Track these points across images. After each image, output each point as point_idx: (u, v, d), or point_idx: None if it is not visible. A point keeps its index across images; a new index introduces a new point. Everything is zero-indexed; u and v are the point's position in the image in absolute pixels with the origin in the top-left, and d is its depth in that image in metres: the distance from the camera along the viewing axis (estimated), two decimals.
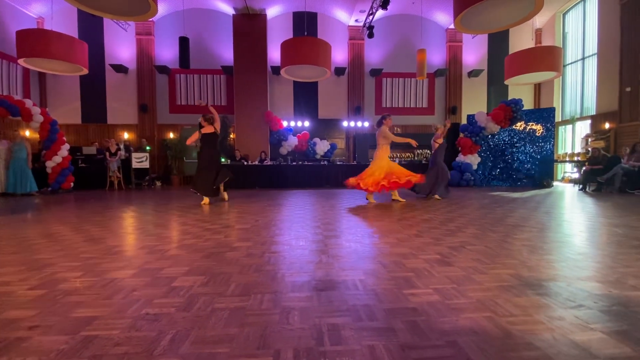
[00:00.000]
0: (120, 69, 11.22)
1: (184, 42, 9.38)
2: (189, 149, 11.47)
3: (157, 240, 2.72)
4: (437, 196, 6.05)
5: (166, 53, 11.63)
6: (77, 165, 8.98)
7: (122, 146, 9.68)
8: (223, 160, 10.10)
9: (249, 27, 11.17)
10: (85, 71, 8.14)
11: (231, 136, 11.83)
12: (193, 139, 5.37)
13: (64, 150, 8.25)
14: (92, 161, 9.45)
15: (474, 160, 9.52)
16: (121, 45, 11.50)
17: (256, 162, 9.73)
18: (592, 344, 1.09)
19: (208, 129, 5.35)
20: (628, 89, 9.11)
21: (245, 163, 9.49)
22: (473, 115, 9.76)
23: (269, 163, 9.66)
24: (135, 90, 11.55)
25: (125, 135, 11.32)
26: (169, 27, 11.56)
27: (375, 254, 2.25)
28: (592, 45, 10.83)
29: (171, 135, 11.69)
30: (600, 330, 1.18)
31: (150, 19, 10.74)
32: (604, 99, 10.07)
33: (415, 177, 5.32)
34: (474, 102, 12.71)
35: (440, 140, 6.30)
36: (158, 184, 10.72)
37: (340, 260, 2.10)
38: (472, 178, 9.34)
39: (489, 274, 1.81)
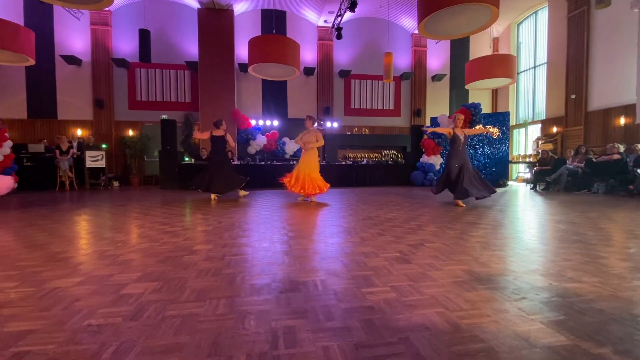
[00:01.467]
0: (72, 60, 10.43)
1: (144, 35, 8.92)
2: (150, 147, 10.95)
3: (109, 244, 2.55)
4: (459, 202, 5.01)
5: (125, 46, 10.99)
6: (22, 164, 8.23)
7: (75, 144, 9.00)
8: (187, 159, 9.75)
9: (215, 22, 10.85)
10: (32, 62, 7.47)
11: None
12: (203, 136, 5.85)
13: (6, 148, 7.49)
14: (40, 160, 8.70)
15: (436, 160, 9.93)
16: (74, 35, 10.69)
17: None
18: (531, 334, 1.16)
19: (218, 132, 5.76)
20: (573, 96, 9.95)
21: None
22: (436, 118, 10.17)
23: (236, 162, 9.44)
24: (90, 84, 10.78)
25: (79, 132, 10.55)
26: (128, 18, 10.93)
27: (338, 254, 2.26)
28: (542, 55, 11.71)
29: (130, 132, 11.06)
30: (540, 320, 1.26)
31: (107, 8, 10.13)
32: (552, 104, 10.93)
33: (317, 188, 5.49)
34: (437, 105, 13.27)
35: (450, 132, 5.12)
36: (116, 184, 10.10)
37: (303, 261, 2.09)
38: (435, 178, 9.73)
39: (444, 270, 1.89)
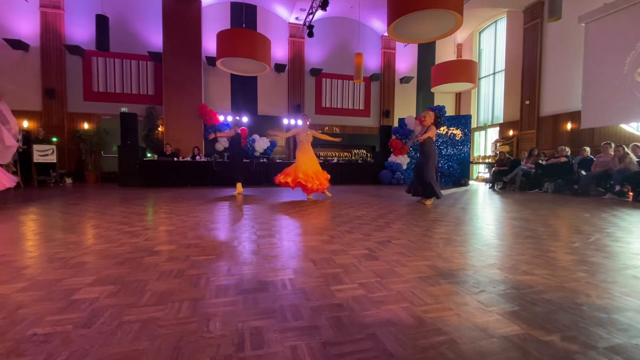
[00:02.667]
0: (18, 45, 9.51)
1: (102, 21, 8.31)
2: (108, 142, 10.29)
3: (59, 246, 2.35)
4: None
5: (80, 32, 10.20)
6: None
7: (20, 136, 8.21)
8: (149, 155, 9.27)
9: (181, 12, 10.39)
10: None
11: (159, 129, 10.89)
12: (227, 134, 6.68)
13: None
14: None
15: (403, 160, 10.25)
16: (20, 18, 9.76)
17: (188, 158, 9.12)
18: (489, 325, 1.23)
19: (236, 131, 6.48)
20: (527, 102, 10.70)
21: (176, 159, 8.82)
22: (404, 119, 10.49)
23: (202, 159, 9.12)
24: (39, 71, 9.91)
25: (25, 124, 9.65)
26: (83, 3, 10.16)
27: (307, 252, 2.26)
28: (501, 62, 12.47)
29: (86, 125, 10.31)
30: (496, 312, 1.34)
31: None
32: (509, 109, 11.68)
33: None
34: (405, 107, 13.69)
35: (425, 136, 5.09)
36: (68, 180, 9.37)
37: (271, 260, 2.06)
38: (402, 177, 10.05)
39: (410, 266, 1.94)
